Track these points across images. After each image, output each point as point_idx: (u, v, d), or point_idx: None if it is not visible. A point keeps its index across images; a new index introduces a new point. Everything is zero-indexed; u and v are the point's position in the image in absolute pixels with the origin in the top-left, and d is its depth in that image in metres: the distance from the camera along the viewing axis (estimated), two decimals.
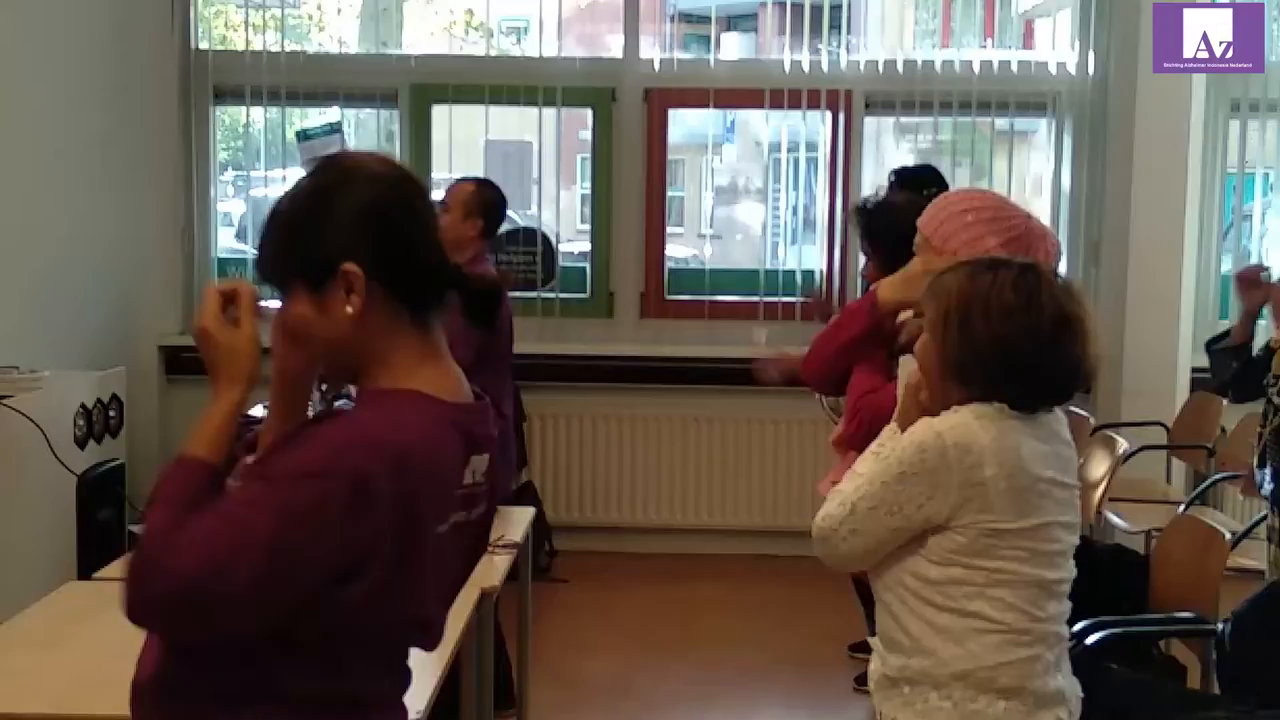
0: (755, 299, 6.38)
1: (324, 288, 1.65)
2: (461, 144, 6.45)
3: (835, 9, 6.43)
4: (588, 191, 6.63)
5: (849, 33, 6.59)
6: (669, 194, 6.62)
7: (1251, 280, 4.27)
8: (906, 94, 6.30)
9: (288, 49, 6.45)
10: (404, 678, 1.80)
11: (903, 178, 4.42)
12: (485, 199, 4.46)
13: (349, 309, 1.65)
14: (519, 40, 6.91)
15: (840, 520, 2.12)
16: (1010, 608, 2.09)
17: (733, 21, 9.26)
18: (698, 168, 7.70)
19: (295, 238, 1.68)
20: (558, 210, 6.67)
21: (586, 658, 5.09)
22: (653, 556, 6.25)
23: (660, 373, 6.28)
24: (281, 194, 1.75)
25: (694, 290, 6.50)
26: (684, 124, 7.08)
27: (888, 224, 3.11)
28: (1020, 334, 2.06)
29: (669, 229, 6.63)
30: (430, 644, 1.79)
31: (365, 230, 1.66)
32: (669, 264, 6.66)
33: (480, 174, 6.31)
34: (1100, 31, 6.21)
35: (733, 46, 8.62)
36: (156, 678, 1.69)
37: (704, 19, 7.00)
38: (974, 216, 2.61)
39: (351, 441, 1.60)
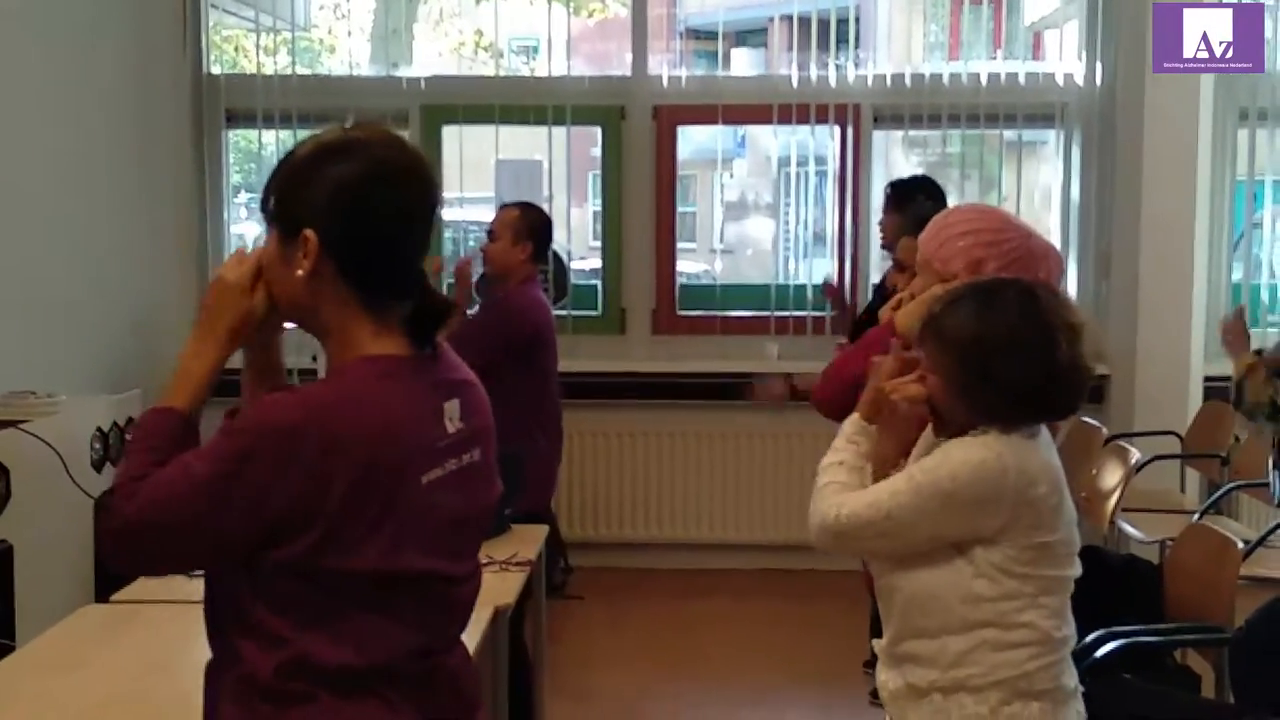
0: (767, 314, 6.39)
1: (289, 242, 1.73)
2: (472, 164, 6.48)
3: (844, 23, 6.45)
4: (600, 209, 6.65)
5: (858, 47, 6.61)
6: (681, 210, 6.63)
7: (1235, 333, 4.28)
8: (914, 107, 6.32)
9: (299, 72, 6.50)
10: (437, 642, 1.79)
11: (898, 189, 4.45)
12: (531, 222, 4.58)
13: (299, 271, 1.71)
14: (529, 60, 6.94)
15: (869, 522, 2.14)
16: (1054, 614, 2.16)
17: (742, 37, 9.29)
18: (709, 183, 7.73)
19: (284, 185, 1.75)
20: (569, 228, 6.69)
21: (601, 674, 5.10)
22: (667, 572, 6.26)
23: (672, 388, 6.29)
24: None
25: (705, 306, 6.52)
26: (696, 139, 7.10)
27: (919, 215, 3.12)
28: (1038, 370, 2.10)
29: (681, 245, 6.64)
30: (456, 597, 1.81)
31: (337, 205, 1.71)
32: (681, 280, 6.67)
33: (491, 194, 6.38)
34: (1107, 41, 6.22)
35: (743, 62, 8.64)
36: (210, 663, 1.77)
37: (713, 35, 7.03)
38: (973, 240, 2.60)
39: (289, 401, 1.66)
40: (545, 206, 6.44)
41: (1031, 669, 2.14)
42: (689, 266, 7.33)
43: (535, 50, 6.95)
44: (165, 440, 1.71)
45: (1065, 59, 6.49)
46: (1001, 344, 2.10)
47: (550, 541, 5.89)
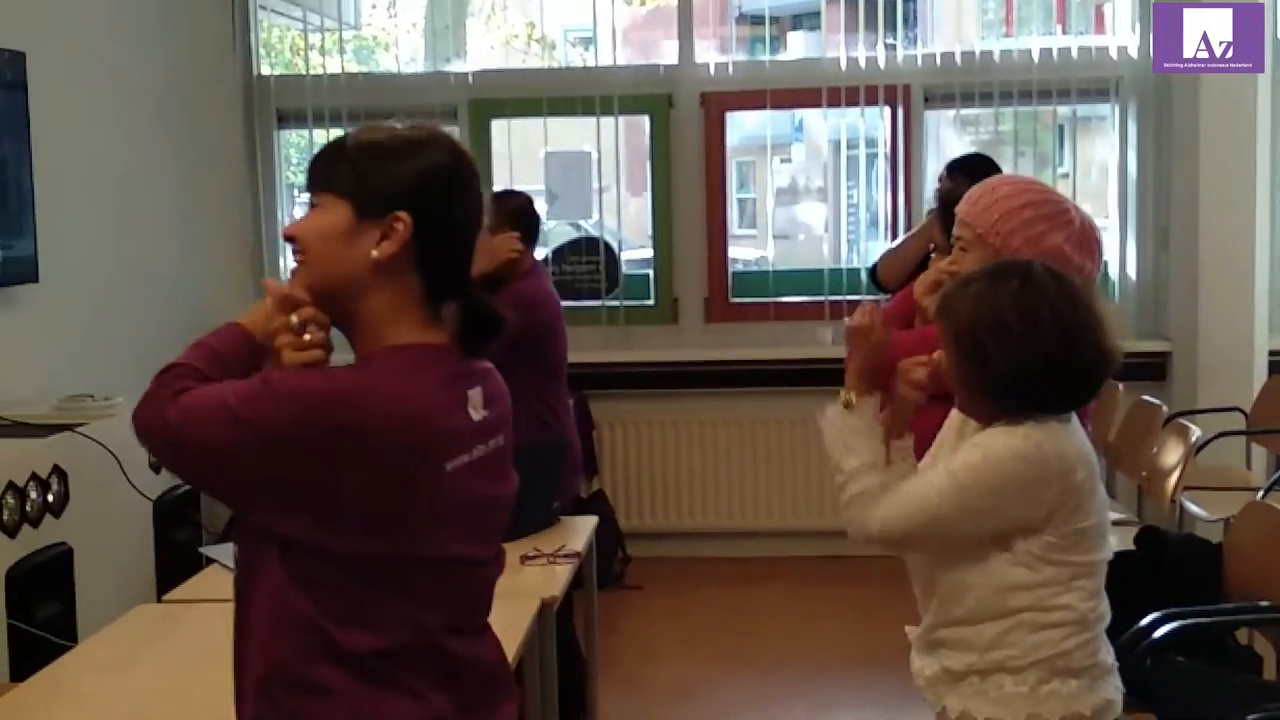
0: (820, 299, 6.35)
1: (367, 219, 1.70)
2: (521, 157, 6.50)
3: (898, 3, 6.38)
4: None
5: (915, 26, 6.53)
6: (738, 196, 6.59)
7: None
8: (965, 86, 6.24)
9: (347, 71, 6.55)
10: (465, 625, 1.80)
11: (957, 168, 4.36)
12: (510, 208, 4.33)
13: (375, 253, 1.69)
14: (588, 49, 6.93)
15: (921, 524, 2.13)
16: (1090, 595, 2.15)
17: (798, 20, 9.22)
18: (767, 169, 7.67)
19: (369, 159, 1.72)
20: (619, 218, 6.68)
21: (659, 664, 5.10)
22: (724, 560, 6.24)
23: (726, 376, 6.27)
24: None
25: (758, 293, 6.49)
26: (753, 125, 7.05)
27: None
28: (1026, 357, 2.08)
29: (739, 231, 6.60)
30: (483, 580, 1.82)
31: (434, 191, 1.71)
32: (738, 266, 6.64)
33: (541, 186, 6.38)
34: None
35: (799, 45, 8.58)
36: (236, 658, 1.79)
37: (768, 20, 6.99)
38: (1034, 212, 2.47)
39: (320, 377, 1.68)
40: (595, 198, 6.49)
41: (1070, 647, 2.13)
42: (747, 253, 7.30)
43: (591, 41, 6.93)
44: (226, 348, 1.77)
45: (1118, 32, 6.38)
46: (991, 328, 2.09)
47: (608, 532, 5.96)
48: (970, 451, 2.13)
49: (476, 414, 1.76)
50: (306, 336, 1.73)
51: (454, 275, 1.76)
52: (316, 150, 1.82)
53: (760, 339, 6.34)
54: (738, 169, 8.62)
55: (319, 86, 6.37)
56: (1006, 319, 2.08)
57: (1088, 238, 2.50)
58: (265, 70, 6.56)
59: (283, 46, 7.56)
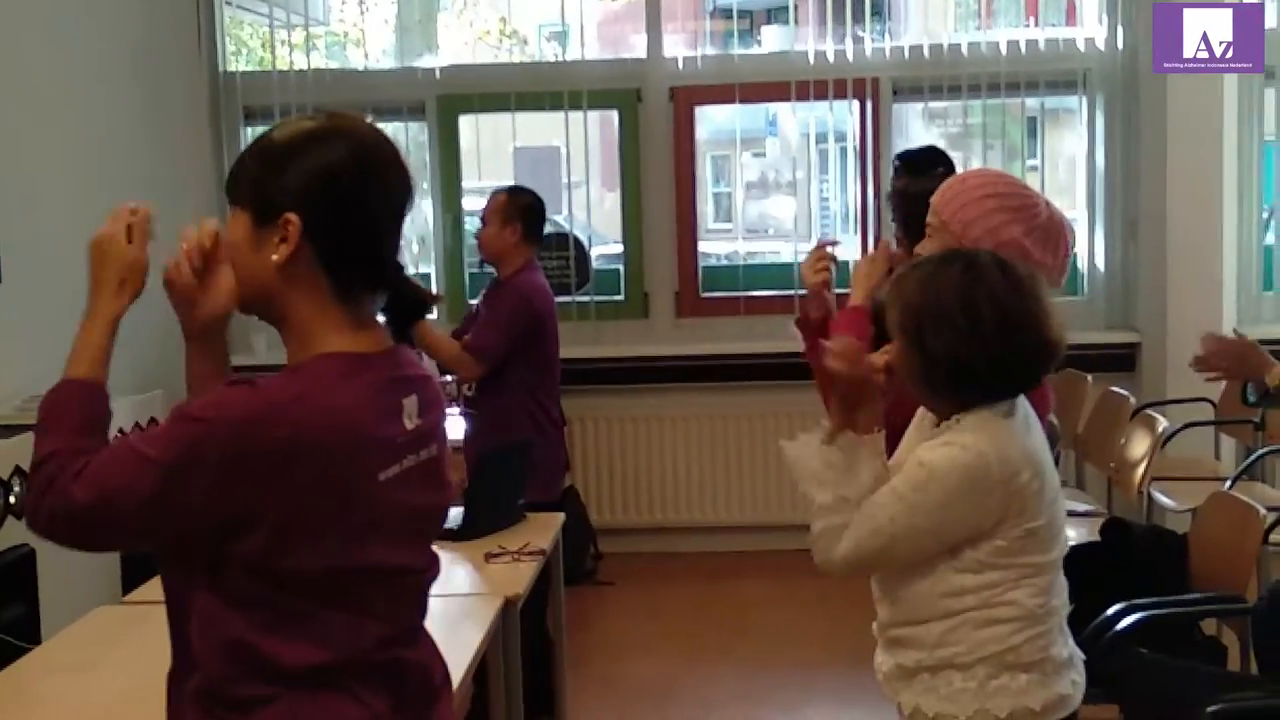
0: (790, 293, 6.34)
1: (264, 226, 1.69)
2: (490, 152, 6.48)
3: None
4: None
5: (889, 19, 6.54)
6: (713, 190, 6.58)
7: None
8: (934, 78, 6.24)
9: (314, 67, 6.51)
10: (403, 633, 1.78)
11: (908, 162, 4.37)
12: (519, 204, 4.51)
13: (275, 256, 1.68)
14: (561, 45, 6.93)
15: (878, 551, 2.13)
16: (1040, 591, 2.15)
17: (772, 14, 9.23)
18: (740, 163, 7.68)
19: (262, 168, 1.70)
20: (589, 214, 6.66)
21: (633, 660, 5.09)
22: (698, 555, 6.24)
23: (697, 371, 6.27)
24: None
25: (729, 288, 6.48)
26: (728, 120, 7.05)
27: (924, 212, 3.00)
28: (963, 343, 2.08)
29: (715, 225, 6.59)
30: (419, 588, 1.80)
31: (322, 189, 1.68)
32: (710, 261, 6.62)
33: (511, 181, 6.37)
34: (1128, 2, 6.12)
35: (773, 38, 8.59)
36: (172, 669, 1.76)
37: (741, 14, 6.98)
38: (997, 203, 2.49)
39: (247, 395, 1.62)
40: (564, 193, 6.48)
41: (1017, 642, 2.13)
42: (722, 248, 7.29)
43: (564, 35, 6.92)
44: (86, 413, 1.69)
45: (1086, 24, 6.39)
46: (932, 312, 2.09)
47: (580, 529, 5.95)
48: (915, 470, 2.12)
49: (410, 422, 1.73)
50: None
51: (363, 269, 1.72)
52: None
53: (731, 334, 6.33)
54: (712, 163, 8.62)
55: (286, 83, 6.33)
56: (946, 303, 2.08)
57: (1052, 233, 2.50)
58: (232, 66, 6.52)
59: (255, 43, 7.53)
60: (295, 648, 1.65)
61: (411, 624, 1.81)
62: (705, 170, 8.15)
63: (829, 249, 3.02)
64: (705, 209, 8.36)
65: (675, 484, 6.33)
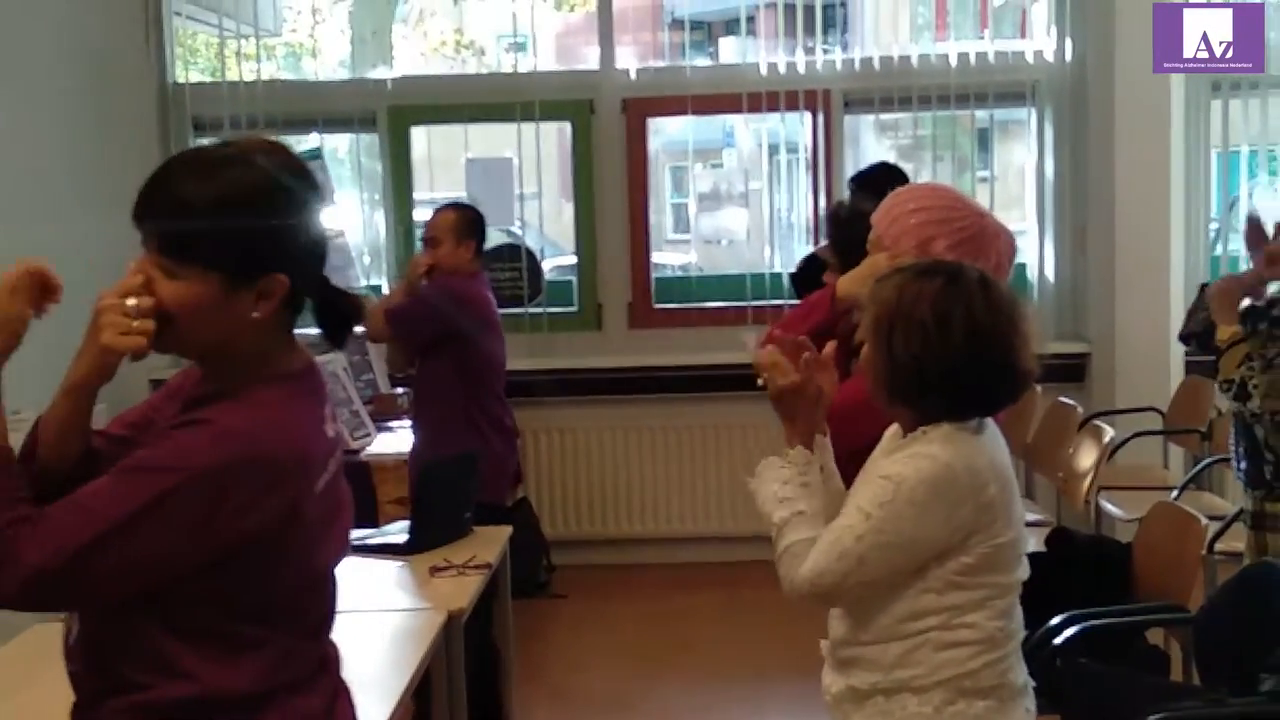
0: (743, 304, 6.35)
1: (240, 286, 1.65)
2: (442, 163, 6.46)
3: (830, 8, 6.40)
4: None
5: (847, 31, 6.56)
6: (671, 201, 6.58)
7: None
8: (885, 90, 6.27)
9: (264, 78, 6.48)
10: (326, 635, 1.82)
11: (861, 182, 4.38)
12: (471, 220, 4.57)
13: (256, 314, 1.66)
14: (521, 55, 6.93)
15: (846, 573, 2.07)
16: (1000, 614, 2.11)
17: (730, 26, 9.26)
18: (693, 175, 7.69)
19: (225, 228, 1.64)
20: (541, 225, 6.66)
21: (587, 673, 5.08)
22: (652, 567, 6.22)
23: (651, 382, 6.26)
24: (195, 164, 1.70)
25: (682, 298, 6.49)
26: (683, 130, 7.06)
27: (860, 235, 2.99)
28: (930, 353, 2.06)
29: (674, 236, 6.59)
30: (337, 589, 1.81)
31: (299, 244, 1.69)
32: (666, 272, 6.62)
33: (463, 193, 6.37)
34: (1077, 15, 6.17)
35: (730, 50, 8.61)
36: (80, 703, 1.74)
37: (699, 25, 7.00)
38: (924, 216, 2.54)
39: (210, 438, 1.60)
40: (517, 204, 6.48)
41: (975, 666, 2.09)
42: (678, 258, 7.30)
43: (523, 47, 6.92)
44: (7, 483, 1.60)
45: (1035, 36, 6.44)
46: (904, 318, 2.07)
47: (533, 541, 5.93)
48: (880, 487, 2.07)
49: (330, 430, 1.77)
50: (135, 323, 1.64)
51: (313, 294, 1.76)
52: None
53: (684, 344, 6.33)
54: (672, 174, 8.64)
55: (236, 93, 6.29)
56: (920, 312, 2.06)
57: (983, 246, 2.51)
58: (182, 77, 6.47)
59: (209, 53, 7.48)
60: (242, 676, 1.66)
61: (332, 619, 1.84)
62: (664, 181, 8.17)
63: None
64: (665, 220, 8.38)
65: (629, 496, 6.32)
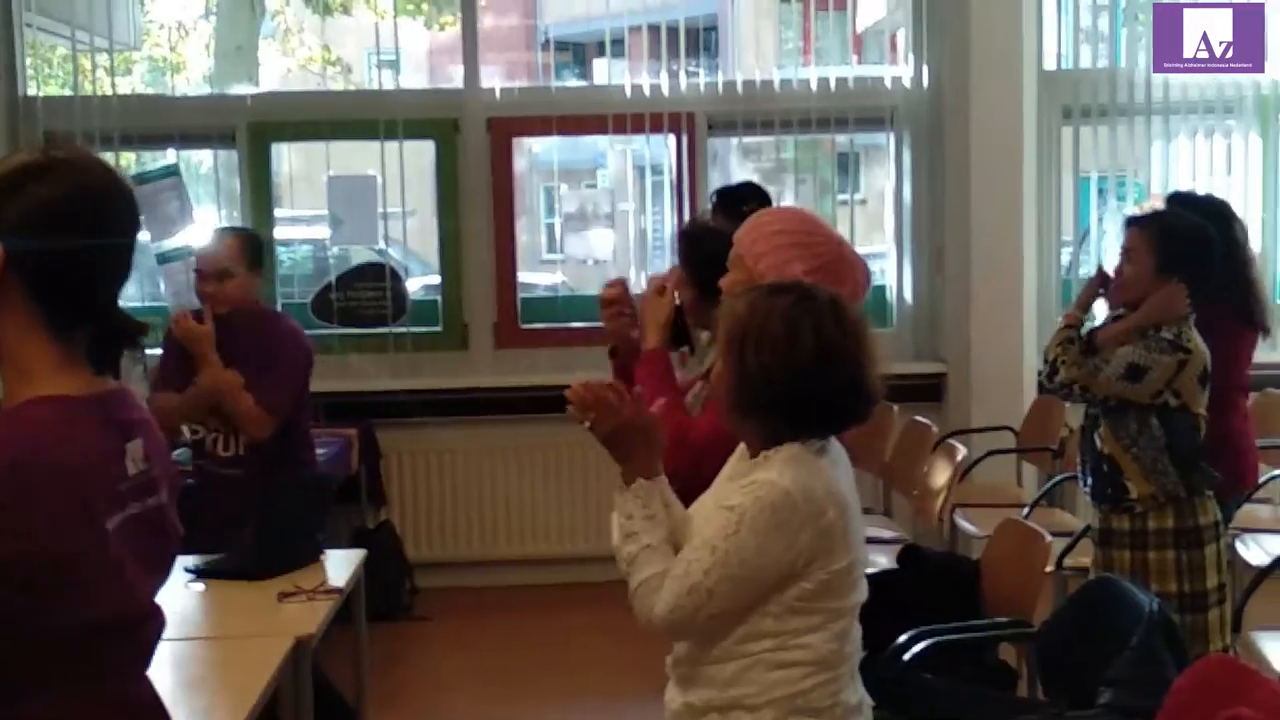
0: None
1: None
2: (304, 181, 6.37)
3: (702, 32, 6.46)
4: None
5: (717, 55, 6.63)
6: (545, 221, 6.57)
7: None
8: (748, 114, 6.34)
9: (120, 92, 6.34)
10: (132, 684, 1.74)
11: (724, 197, 4.44)
12: (256, 244, 4.27)
13: None
14: (393, 73, 6.87)
15: (697, 607, 2.10)
16: (835, 637, 2.15)
17: (603, 48, 9.30)
18: (564, 195, 7.72)
19: None
20: (405, 244, 6.60)
21: (452, 695, 5.04)
22: (517, 588, 6.19)
23: (517, 402, 6.22)
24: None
25: (548, 318, 6.48)
26: (553, 151, 7.06)
27: (711, 253, 2.92)
28: (780, 365, 2.09)
29: (547, 256, 6.58)
30: (148, 638, 1.74)
31: (32, 222, 1.63)
32: (536, 293, 6.60)
33: (324, 211, 6.29)
34: (934, 42, 6.31)
35: (603, 72, 8.65)
36: None
37: (574, 47, 7.01)
38: (785, 239, 2.60)
39: None
40: (380, 223, 6.40)
41: (808, 686, 2.12)
42: (549, 279, 7.30)
43: (393, 65, 6.87)
44: None
45: (895, 62, 6.58)
46: (756, 332, 2.10)
47: (395, 563, 5.86)
48: (725, 519, 2.10)
49: (134, 467, 1.69)
50: None
51: (76, 302, 1.67)
52: None
53: (550, 365, 6.30)
54: (545, 194, 8.63)
55: (89, 107, 6.14)
56: (771, 327, 2.09)
57: (841, 272, 2.57)
58: (34, 90, 6.30)
59: (69, 68, 7.29)
60: (36, 708, 1.59)
61: (140, 673, 1.76)
62: (538, 201, 8.16)
63: (613, 291, 3.05)
64: (539, 240, 8.37)
65: (494, 517, 6.28)
